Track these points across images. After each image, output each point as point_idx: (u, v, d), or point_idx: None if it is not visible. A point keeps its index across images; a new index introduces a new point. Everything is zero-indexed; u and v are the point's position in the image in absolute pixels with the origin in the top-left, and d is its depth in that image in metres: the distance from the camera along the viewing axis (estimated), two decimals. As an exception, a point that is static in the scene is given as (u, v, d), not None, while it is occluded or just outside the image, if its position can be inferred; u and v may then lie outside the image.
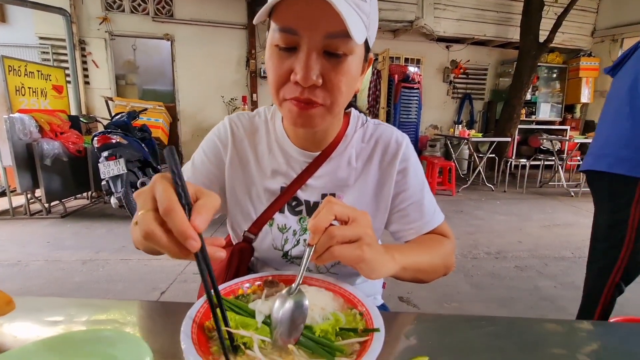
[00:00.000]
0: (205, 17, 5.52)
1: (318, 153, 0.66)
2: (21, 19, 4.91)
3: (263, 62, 5.76)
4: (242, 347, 0.40)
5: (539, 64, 5.92)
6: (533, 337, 0.51)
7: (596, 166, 1.30)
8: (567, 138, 5.23)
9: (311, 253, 0.44)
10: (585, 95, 6.69)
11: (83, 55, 5.23)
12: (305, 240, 0.67)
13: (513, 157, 5.78)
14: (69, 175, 3.58)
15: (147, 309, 0.58)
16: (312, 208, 0.67)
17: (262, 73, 5.83)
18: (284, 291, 0.46)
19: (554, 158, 5.29)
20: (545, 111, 6.95)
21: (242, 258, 0.68)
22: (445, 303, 2.10)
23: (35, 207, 3.63)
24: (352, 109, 0.71)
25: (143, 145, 3.51)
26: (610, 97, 1.33)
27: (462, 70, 6.56)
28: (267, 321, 0.44)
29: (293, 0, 0.46)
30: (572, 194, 4.91)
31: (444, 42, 6.52)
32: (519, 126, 6.02)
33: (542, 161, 5.47)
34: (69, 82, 4.54)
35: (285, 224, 0.67)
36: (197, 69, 5.66)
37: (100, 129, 4.00)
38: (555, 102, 7.00)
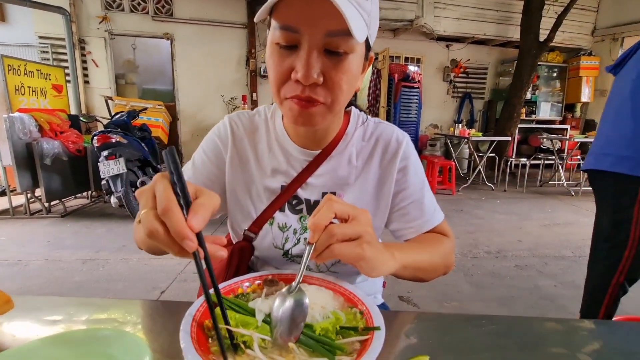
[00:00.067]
0: (205, 17, 5.52)
1: (318, 152, 0.66)
2: (21, 18, 4.90)
3: (263, 62, 5.76)
4: (242, 345, 0.40)
5: (539, 63, 5.91)
6: (533, 336, 0.51)
7: (598, 165, 1.29)
8: (567, 137, 5.23)
9: (311, 251, 0.44)
10: (586, 95, 6.68)
11: (83, 55, 5.22)
12: (305, 238, 0.67)
13: (513, 157, 5.78)
14: (69, 174, 3.58)
15: (146, 308, 0.58)
16: (312, 207, 0.67)
17: (262, 72, 5.83)
18: (284, 289, 0.46)
19: (554, 157, 5.29)
20: (546, 110, 6.95)
21: (242, 257, 0.68)
22: (445, 302, 2.10)
23: (35, 206, 3.63)
24: (353, 108, 0.71)
25: (143, 144, 3.51)
26: (612, 96, 1.33)
27: (462, 70, 6.56)
28: (267, 320, 0.44)
29: None
30: (572, 193, 4.91)
31: (444, 41, 6.51)
32: (519, 125, 6.02)
33: (542, 160, 5.47)
34: (68, 81, 4.53)
35: (285, 223, 0.67)
36: (197, 68, 5.66)
37: (100, 128, 4.00)
38: (556, 101, 7.00)
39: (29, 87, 3.71)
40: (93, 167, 3.68)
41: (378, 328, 0.42)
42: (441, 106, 6.89)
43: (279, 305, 0.43)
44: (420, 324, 0.54)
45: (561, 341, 0.51)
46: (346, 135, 0.67)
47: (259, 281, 0.54)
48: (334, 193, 0.67)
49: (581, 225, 3.56)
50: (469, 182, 5.22)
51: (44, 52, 5.07)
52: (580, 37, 6.67)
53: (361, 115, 0.71)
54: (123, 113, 3.66)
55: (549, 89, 6.95)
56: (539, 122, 6.93)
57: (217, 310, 0.42)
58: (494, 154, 5.33)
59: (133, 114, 3.70)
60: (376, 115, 5.50)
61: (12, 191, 3.44)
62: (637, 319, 1.46)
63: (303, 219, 0.67)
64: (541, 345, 0.49)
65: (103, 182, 3.24)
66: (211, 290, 0.42)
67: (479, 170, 5.24)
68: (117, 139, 3.25)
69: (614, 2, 6.39)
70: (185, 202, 0.35)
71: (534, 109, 6.87)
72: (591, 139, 5.00)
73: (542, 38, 5.49)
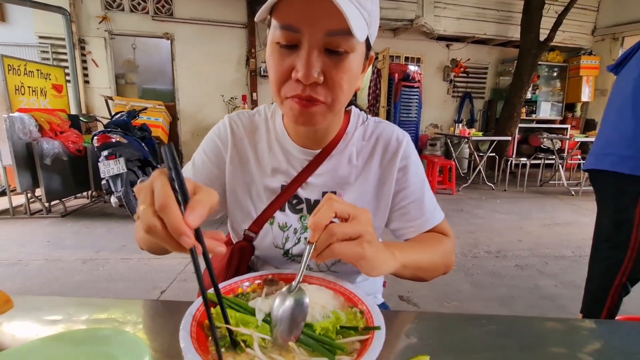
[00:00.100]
0: (205, 16, 5.51)
1: (318, 151, 0.66)
2: (21, 18, 4.90)
3: (263, 61, 5.75)
4: (242, 344, 0.40)
5: (539, 62, 5.91)
6: (534, 335, 0.51)
7: (599, 165, 1.28)
8: (568, 137, 5.22)
9: (311, 251, 0.44)
10: (586, 94, 6.68)
11: (83, 55, 5.22)
12: (306, 238, 0.67)
13: (513, 156, 5.78)
14: (69, 174, 3.58)
15: (146, 308, 0.58)
16: (312, 206, 0.67)
17: (262, 72, 5.82)
18: (284, 289, 0.46)
19: (554, 157, 5.29)
20: (546, 110, 6.95)
21: (242, 257, 0.67)
22: (445, 302, 2.10)
23: (36, 206, 3.63)
24: (353, 107, 0.71)
25: (143, 144, 3.51)
26: (613, 95, 1.32)
27: (462, 69, 6.55)
28: (268, 319, 0.44)
29: None
30: (573, 192, 4.91)
31: (444, 41, 6.51)
32: (520, 125, 6.01)
33: (543, 160, 5.47)
34: (68, 81, 4.53)
35: (286, 222, 0.67)
36: (197, 68, 5.65)
37: (100, 128, 4.00)
38: (556, 101, 6.99)
39: (29, 87, 3.71)
40: (93, 167, 3.68)
41: (378, 328, 0.42)
42: (441, 106, 6.89)
43: (279, 304, 0.43)
44: (421, 323, 0.54)
45: (562, 341, 0.51)
46: (346, 135, 0.67)
47: (259, 281, 0.54)
48: (334, 192, 0.67)
49: (581, 225, 3.56)
50: (469, 181, 5.22)
51: (44, 52, 5.07)
52: (581, 36, 6.66)
53: (361, 114, 0.71)
54: (123, 113, 3.66)
55: (549, 88, 6.95)
56: (539, 121, 6.92)
57: (216, 309, 0.42)
58: (494, 154, 5.33)
59: (133, 113, 3.70)
60: (376, 114, 5.50)
61: (12, 191, 3.44)
62: (639, 318, 1.46)
63: (303, 218, 0.67)
64: (542, 345, 0.49)
65: (103, 182, 3.24)
66: (210, 290, 0.42)
67: (479, 169, 5.24)
68: (117, 139, 3.25)
69: (614, 1, 6.38)
70: (184, 198, 0.35)
71: (534, 108, 6.86)
72: (591, 139, 5.00)
73: (542, 37, 5.49)
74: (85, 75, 5.32)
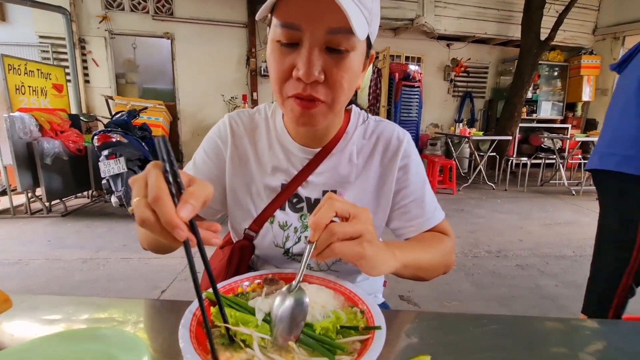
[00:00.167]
0: (205, 16, 5.51)
1: (319, 149, 0.65)
2: (21, 18, 4.90)
3: (263, 61, 5.75)
4: (241, 344, 0.40)
5: (540, 62, 5.90)
6: (534, 335, 0.51)
7: (603, 165, 1.27)
8: (568, 136, 5.22)
9: (312, 250, 0.44)
10: (587, 94, 6.67)
11: (83, 54, 5.22)
12: (306, 237, 0.67)
13: (514, 156, 5.77)
14: (70, 174, 3.58)
15: (146, 308, 0.58)
16: (313, 205, 0.67)
17: (262, 72, 5.82)
18: (284, 288, 0.45)
19: (555, 156, 5.28)
20: (547, 109, 6.93)
21: (242, 256, 0.67)
22: (445, 302, 2.10)
23: (36, 206, 3.63)
24: (353, 106, 0.71)
25: (143, 144, 3.50)
26: (616, 94, 1.31)
27: (462, 69, 6.55)
28: (267, 319, 0.44)
29: None
30: (573, 192, 4.90)
31: (445, 40, 6.50)
32: (520, 124, 6.00)
33: (543, 160, 5.46)
34: (69, 80, 4.53)
35: (286, 221, 0.67)
36: (197, 67, 5.65)
37: (101, 127, 4.00)
38: (557, 101, 6.98)
39: (29, 86, 3.71)
40: (93, 166, 3.68)
41: (379, 327, 0.41)
42: (442, 105, 6.88)
43: (279, 304, 0.43)
44: (421, 323, 0.54)
45: (563, 341, 0.51)
46: (347, 134, 0.67)
47: (259, 280, 0.54)
48: (335, 191, 0.67)
49: (582, 224, 3.56)
50: (470, 181, 5.22)
51: (44, 51, 5.07)
52: (582, 36, 6.65)
53: (362, 113, 0.71)
54: (123, 112, 3.66)
55: (550, 88, 6.94)
56: (539, 121, 6.91)
57: (216, 307, 0.42)
58: (494, 153, 5.32)
59: (133, 113, 3.70)
60: (377, 114, 5.48)
61: (12, 190, 3.44)
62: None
63: (303, 217, 0.67)
64: (542, 345, 0.49)
65: (103, 181, 3.24)
66: (210, 290, 0.41)
67: (480, 169, 5.24)
68: (118, 139, 3.25)
69: (615, 0, 6.37)
70: (178, 191, 0.35)
71: (534, 108, 6.85)
72: (592, 138, 4.99)
73: (543, 37, 5.48)
74: (86, 74, 5.32)
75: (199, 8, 5.45)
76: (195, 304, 0.44)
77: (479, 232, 3.29)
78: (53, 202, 3.70)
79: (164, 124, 4.96)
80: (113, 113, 3.89)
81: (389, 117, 5.68)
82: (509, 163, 5.46)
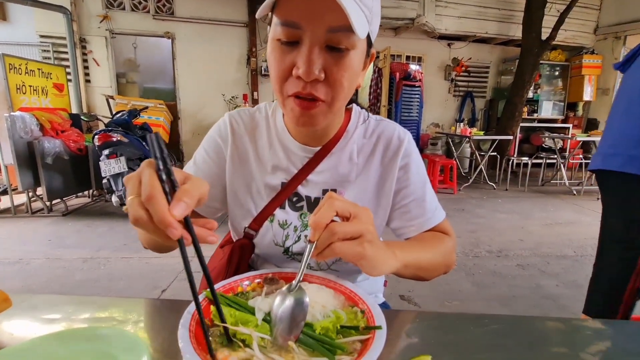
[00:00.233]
0: (205, 15, 5.51)
1: (319, 148, 0.65)
2: (22, 17, 4.90)
3: (264, 60, 5.75)
4: (241, 343, 0.40)
5: (541, 61, 5.89)
6: (536, 335, 0.51)
7: (606, 165, 1.25)
8: (569, 136, 5.20)
9: (312, 250, 0.43)
10: (588, 93, 6.65)
11: (84, 54, 5.23)
12: (306, 236, 0.67)
13: (515, 156, 5.76)
14: (70, 173, 3.59)
15: (146, 307, 0.58)
16: (313, 204, 0.67)
17: (263, 71, 5.82)
18: (284, 288, 0.45)
19: (556, 156, 5.27)
20: (548, 109, 6.92)
21: (242, 254, 0.67)
22: (446, 301, 2.10)
23: (37, 205, 3.63)
24: (354, 105, 0.71)
25: (144, 143, 3.51)
26: (620, 94, 1.29)
27: (463, 68, 6.54)
28: (267, 319, 0.44)
29: None
30: (574, 192, 4.89)
31: (446, 40, 6.49)
32: (521, 124, 5.99)
33: (544, 159, 5.45)
34: (69, 80, 4.54)
35: (286, 220, 0.67)
36: (198, 67, 5.65)
37: (101, 127, 4.00)
38: (558, 100, 6.97)
39: (30, 86, 3.71)
40: (94, 166, 3.68)
41: (379, 327, 0.41)
42: (442, 105, 6.87)
43: (279, 304, 0.43)
44: (422, 323, 0.53)
45: (564, 341, 0.50)
46: (347, 132, 0.67)
47: (259, 279, 0.54)
48: (335, 190, 0.66)
49: (583, 224, 3.55)
50: (471, 181, 5.21)
51: (45, 51, 5.07)
52: (583, 35, 6.64)
53: (362, 112, 0.71)
54: (124, 112, 3.66)
55: (551, 87, 6.92)
56: (540, 120, 6.90)
57: (212, 308, 0.42)
58: (495, 153, 5.32)
59: (134, 112, 3.70)
60: (377, 114, 5.47)
61: (13, 190, 3.44)
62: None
63: (303, 216, 0.67)
64: (543, 345, 0.48)
65: (104, 181, 3.25)
66: (210, 290, 0.41)
67: (481, 169, 5.23)
68: (118, 138, 3.25)
69: (616, 0, 6.35)
70: (172, 188, 0.35)
71: (535, 107, 6.84)
72: (593, 138, 4.98)
73: (544, 36, 5.47)
74: (87, 74, 5.32)
75: (199, 7, 5.45)
76: (193, 306, 0.44)
77: (480, 232, 3.29)
78: (54, 202, 3.70)
79: (164, 123, 4.96)
80: (114, 112, 3.89)
81: (389, 117, 5.68)
82: (510, 163, 5.46)
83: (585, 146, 5.81)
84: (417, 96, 5.69)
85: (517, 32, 6.05)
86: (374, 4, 0.51)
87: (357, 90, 0.60)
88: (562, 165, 5.14)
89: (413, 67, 5.72)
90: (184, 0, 5.40)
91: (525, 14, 5.57)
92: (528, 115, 6.64)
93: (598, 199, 4.43)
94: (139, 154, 3.38)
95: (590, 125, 6.89)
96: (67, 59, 4.95)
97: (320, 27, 0.48)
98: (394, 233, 0.72)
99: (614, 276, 1.26)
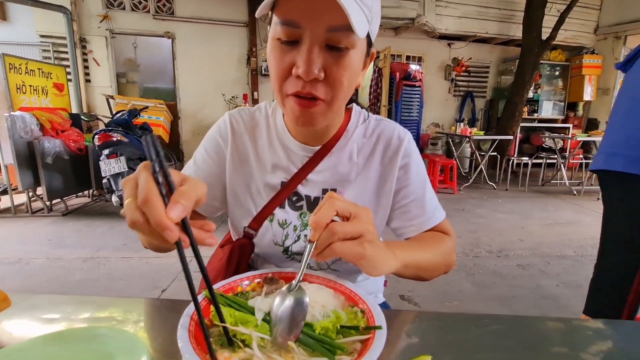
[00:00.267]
0: (206, 15, 5.51)
1: (318, 147, 0.65)
2: (22, 17, 4.90)
3: (264, 60, 5.74)
4: (241, 343, 0.39)
5: (541, 61, 5.88)
6: (536, 335, 0.50)
7: (609, 166, 1.24)
8: (570, 136, 5.20)
9: (312, 249, 0.43)
10: (588, 93, 6.65)
11: (84, 53, 5.23)
12: (306, 235, 0.66)
13: (515, 155, 5.76)
14: (70, 173, 3.59)
15: (146, 307, 0.58)
16: (312, 203, 0.67)
17: (263, 71, 5.82)
18: (284, 288, 0.45)
19: (556, 156, 5.27)
20: (548, 109, 6.92)
21: (242, 254, 0.67)
22: (446, 301, 2.09)
23: (37, 205, 3.63)
24: (354, 105, 0.71)
25: (143, 143, 3.50)
26: (621, 94, 1.28)
27: (463, 68, 6.53)
28: (267, 319, 0.43)
29: None
30: (575, 192, 4.89)
31: (446, 40, 6.49)
32: (521, 124, 5.99)
33: (544, 159, 5.45)
34: (69, 80, 4.54)
35: (285, 220, 0.67)
36: (198, 66, 5.65)
37: (101, 127, 4.00)
38: (558, 100, 6.97)
39: (30, 85, 3.71)
40: (94, 165, 3.68)
41: (380, 327, 0.41)
42: (443, 105, 6.87)
43: (279, 303, 0.43)
44: (422, 323, 0.53)
45: (564, 341, 0.50)
46: (347, 132, 0.67)
47: (258, 279, 0.53)
48: (335, 190, 0.66)
49: (583, 224, 3.54)
50: (471, 181, 5.21)
51: (45, 50, 5.07)
52: (583, 35, 6.63)
53: (362, 112, 0.71)
54: (124, 112, 3.66)
55: (551, 87, 6.92)
56: (541, 120, 6.90)
57: (212, 307, 0.41)
58: (495, 153, 5.31)
59: (134, 112, 3.70)
60: (377, 114, 5.47)
61: (13, 190, 3.44)
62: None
63: (303, 215, 0.67)
64: (544, 345, 0.48)
65: (104, 180, 3.25)
66: (208, 291, 0.41)
67: (481, 169, 5.23)
68: (118, 138, 3.25)
69: (616, 0, 6.35)
70: (169, 190, 0.35)
71: (536, 107, 6.84)
72: (593, 138, 4.98)
73: (544, 36, 5.46)
74: (87, 74, 5.32)
75: (199, 7, 5.45)
76: (192, 307, 0.43)
77: (480, 232, 3.29)
78: (54, 201, 3.70)
79: (164, 123, 4.96)
80: (114, 112, 3.90)
81: (389, 117, 5.66)
82: (510, 163, 5.45)
83: (586, 146, 5.81)
84: (417, 96, 5.69)
85: (517, 32, 6.05)
86: (374, 3, 0.51)
87: (357, 90, 0.60)
88: (562, 165, 5.14)
89: (413, 67, 5.72)
90: (184, 0, 5.40)
91: (526, 14, 5.57)
92: (528, 115, 6.64)
93: (598, 199, 4.44)
94: (139, 153, 3.38)
95: (591, 125, 6.89)
96: (67, 59, 4.95)
97: (320, 26, 0.47)
98: (393, 233, 0.72)
99: (617, 277, 1.25)
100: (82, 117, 4.19)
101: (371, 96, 5.68)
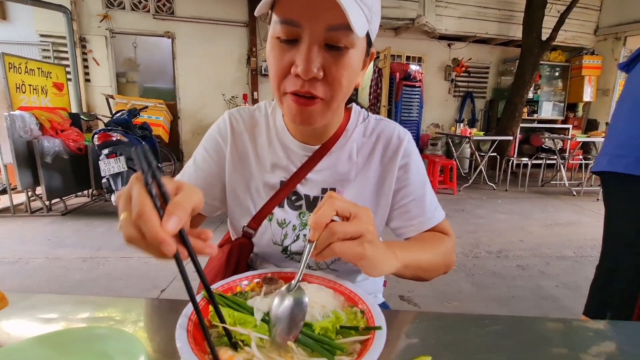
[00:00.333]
0: (205, 15, 5.51)
1: (318, 147, 0.65)
2: (22, 16, 4.90)
3: (264, 60, 5.74)
4: (241, 344, 0.39)
5: (541, 62, 5.88)
6: (536, 336, 0.50)
7: (612, 167, 1.23)
8: (569, 137, 5.21)
9: (311, 249, 0.43)
10: (588, 94, 6.65)
11: (84, 53, 5.22)
12: (305, 235, 0.66)
13: (515, 156, 5.76)
14: (70, 172, 3.58)
15: (146, 307, 0.57)
16: (312, 203, 0.66)
17: (263, 71, 5.82)
18: (283, 288, 0.45)
19: (555, 157, 5.27)
20: (548, 110, 6.92)
21: (241, 254, 0.67)
22: (446, 302, 2.09)
23: (36, 204, 3.63)
24: (354, 104, 0.71)
25: (144, 143, 3.50)
26: (624, 94, 1.27)
27: (463, 69, 6.54)
28: (266, 319, 0.43)
29: None
30: (574, 193, 4.89)
31: (446, 40, 6.49)
32: (521, 125, 5.99)
33: (544, 160, 5.45)
34: (69, 79, 4.53)
35: (284, 219, 0.66)
36: (198, 66, 5.65)
37: (101, 126, 4.00)
38: (558, 101, 6.97)
39: (29, 85, 3.71)
40: (94, 165, 3.68)
41: (379, 327, 0.41)
42: (442, 105, 6.87)
43: (278, 303, 0.43)
44: (422, 323, 0.53)
45: (564, 341, 0.50)
46: (346, 131, 0.67)
47: (258, 279, 0.53)
48: (334, 189, 0.66)
49: (583, 225, 3.54)
50: (470, 181, 5.21)
51: (45, 50, 5.07)
52: (583, 36, 6.64)
53: (362, 112, 0.71)
54: (124, 111, 3.66)
55: (551, 88, 6.92)
56: (540, 121, 6.90)
57: (212, 310, 0.41)
58: (495, 154, 5.32)
59: (134, 112, 3.70)
60: (377, 114, 5.48)
61: (12, 189, 3.44)
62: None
63: (302, 215, 0.67)
64: (544, 346, 0.48)
65: (104, 180, 3.24)
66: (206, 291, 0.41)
67: (481, 169, 5.23)
68: (118, 138, 3.25)
69: (616, 1, 6.35)
70: (164, 202, 0.34)
71: (535, 108, 6.84)
72: (593, 139, 4.98)
73: (544, 37, 5.46)
74: (86, 73, 5.32)
75: (199, 7, 5.45)
76: (190, 307, 0.43)
77: (480, 233, 3.29)
78: (53, 201, 3.70)
79: (164, 123, 4.96)
80: (113, 112, 3.89)
81: (389, 117, 5.65)
82: (510, 163, 5.46)
83: (585, 147, 5.81)
84: (417, 96, 5.69)
85: (517, 32, 6.05)
86: (374, 3, 0.51)
87: (356, 90, 0.59)
88: (562, 166, 5.14)
89: (413, 67, 5.72)
90: (184, 0, 5.40)
91: (526, 15, 5.57)
92: (528, 115, 6.64)
93: (598, 199, 4.44)
94: (138, 153, 3.37)
95: (590, 126, 6.89)
96: (67, 58, 4.95)
97: (320, 25, 0.47)
98: (393, 233, 0.71)
99: (619, 280, 1.24)
100: (82, 116, 4.19)
101: (371, 96, 5.68)
